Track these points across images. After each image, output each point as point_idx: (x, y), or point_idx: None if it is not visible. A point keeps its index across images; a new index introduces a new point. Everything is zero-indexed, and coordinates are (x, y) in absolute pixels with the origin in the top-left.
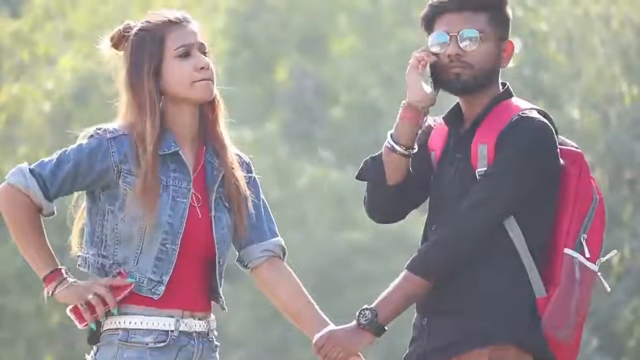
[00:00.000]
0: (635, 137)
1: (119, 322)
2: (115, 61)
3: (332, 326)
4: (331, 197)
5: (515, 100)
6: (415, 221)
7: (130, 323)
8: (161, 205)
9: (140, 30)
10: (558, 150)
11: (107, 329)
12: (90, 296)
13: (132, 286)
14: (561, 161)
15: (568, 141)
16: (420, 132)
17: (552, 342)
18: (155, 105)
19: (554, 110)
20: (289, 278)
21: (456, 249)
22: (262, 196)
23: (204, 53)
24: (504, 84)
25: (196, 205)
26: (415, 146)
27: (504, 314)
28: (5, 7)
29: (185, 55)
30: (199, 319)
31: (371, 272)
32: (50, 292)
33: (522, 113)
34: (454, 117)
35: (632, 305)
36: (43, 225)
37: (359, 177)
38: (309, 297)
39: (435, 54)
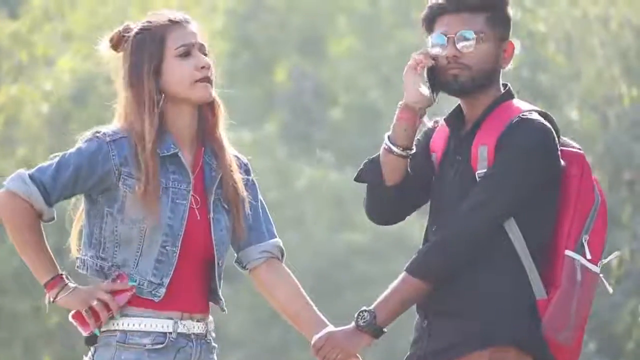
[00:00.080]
0: (634, 138)
1: (117, 324)
2: (114, 62)
3: (330, 327)
4: (330, 199)
5: (516, 102)
6: (415, 223)
7: (128, 325)
8: (161, 208)
9: (140, 30)
10: (559, 151)
11: (105, 330)
12: (94, 302)
13: (134, 290)
14: (562, 162)
15: (570, 142)
16: (422, 133)
17: (552, 345)
18: (155, 104)
19: (552, 112)
20: (288, 279)
21: (455, 251)
22: (260, 197)
23: (204, 54)
24: (505, 85)
25: (195, 207)
26: (414, 147)
27: (503, 316)
28: (4, 7)
29: (186, 54)
30: (198, 321)
31: (370, 273)
32: (52, 299)
33: (522, 115)
34: (455, 118)
35: (629, 307)
36: (43, 230)
37: (357, 179)
38: (308, 298)
39: (435, 56)
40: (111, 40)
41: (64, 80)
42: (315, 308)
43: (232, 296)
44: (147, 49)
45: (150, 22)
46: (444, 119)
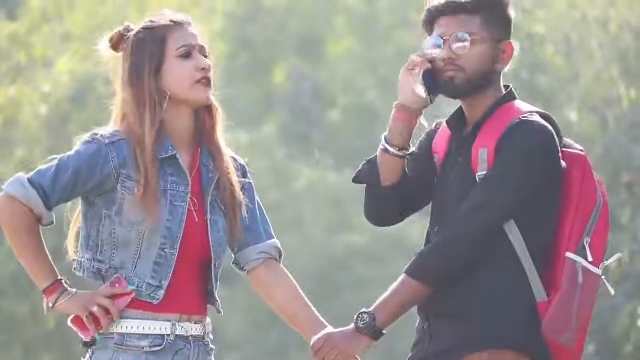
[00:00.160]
0: (633, 140)
1: (115, 327)
2: (113, 63)
3: (329, 329)
4: (328, 200)
5: (517, 104)
6: (413, 224)
7: (126, 327)
8: (160, 210)
9: (141, 30)
10: (559, 153)
11: (103, 333)
12: (94, 308)
13: (133, 294)
14: (563, 164)
15: (572, 144)
16: (425, 135)
17: (554, 347)
18: (155, 104)
19: (551, 114)
20: (286, 280)
21: (454, 253)
22: (257, 198)
23: (205, 56)
24: (507, 87)
25: (193, 209)
26: (410, 147)
27: (503, 318)
28: (2, 9)
29: (187, 55)
30: (196, 323)
31: (369, 275)
32: (52, 304)
33: (523, 116)
34: (456, 120)
35: (628, 309)
36: (42, 235)
37: (355, 181)
38: (306, 299)
39: (432, 58)
40: (111, 40)
41: (62, 81)
42: (314, 309)
43: (229, 298)
44: (148, 49)
45: (151, 22)
46: (446, 121)
